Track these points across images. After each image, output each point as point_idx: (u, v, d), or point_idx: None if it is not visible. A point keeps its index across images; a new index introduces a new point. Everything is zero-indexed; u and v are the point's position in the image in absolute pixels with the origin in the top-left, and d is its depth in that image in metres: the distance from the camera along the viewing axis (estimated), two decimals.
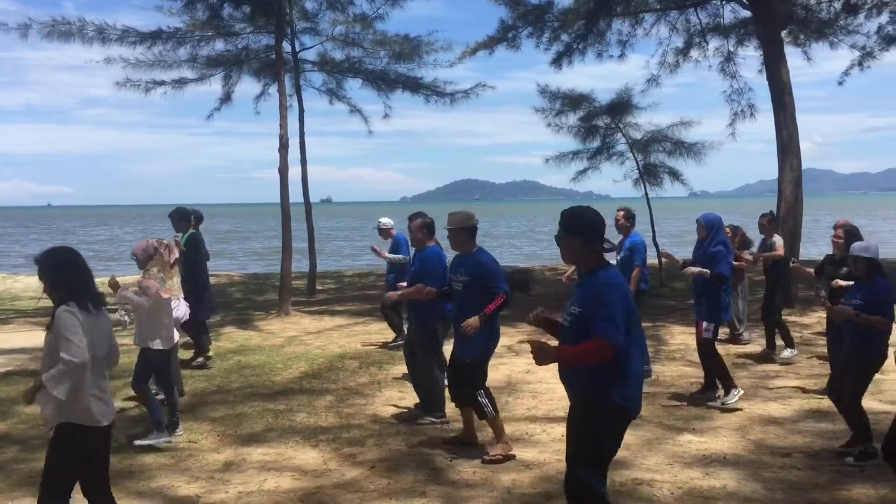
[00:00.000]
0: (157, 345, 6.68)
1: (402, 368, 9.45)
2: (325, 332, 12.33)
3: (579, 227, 3.99)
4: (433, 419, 7.08)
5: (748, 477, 5.54)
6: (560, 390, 8.08)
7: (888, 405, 7.15)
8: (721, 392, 7.50)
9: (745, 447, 6.23)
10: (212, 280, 10.58)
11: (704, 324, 7.50)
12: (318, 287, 18.22)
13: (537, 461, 5.94)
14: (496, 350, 6.45)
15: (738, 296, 10.49)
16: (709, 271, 7.46)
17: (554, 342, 4.04)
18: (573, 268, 7.61)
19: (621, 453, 4.86)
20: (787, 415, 7.13)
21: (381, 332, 12.01)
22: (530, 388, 8.29)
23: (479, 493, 5.32)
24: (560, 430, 6.75)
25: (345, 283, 20.66)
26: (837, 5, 17.54)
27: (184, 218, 9.64)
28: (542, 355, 3.78)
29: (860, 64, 18.74)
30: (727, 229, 10.10)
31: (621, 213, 8.67)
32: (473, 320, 5.99)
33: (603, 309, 3.77)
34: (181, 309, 7.23)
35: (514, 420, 7.05)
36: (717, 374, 7.57)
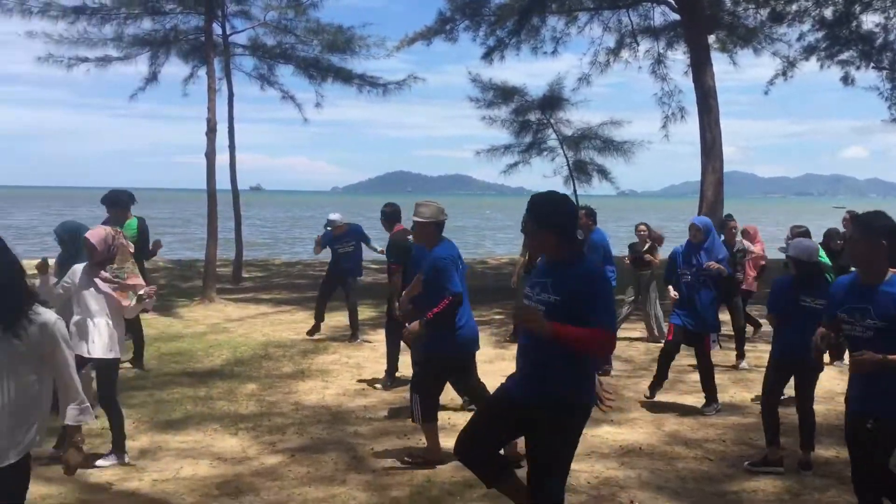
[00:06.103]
0: (118, 353, 5.77)
1: (326, 358, 9.39)
2: (249, 320, 12.15)
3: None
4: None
5: (662, 467, 5.69)
6: None
7: None
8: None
9: (659, 438, 6.39)
10: None
11: (713, 335, 7.37)
12: (245, 275, 17.95)
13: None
14: None
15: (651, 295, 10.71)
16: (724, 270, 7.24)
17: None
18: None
19: None
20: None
21: (306, 321, 11.91)
22: None
23: (398, 482, 5.32)
24: None
25: (272, 271, 20.39)
26: (764, 13, 18.11)
27: (124, 205, 8.59)
28: (532, 319, 3.52)
29: (784, 73, 19.38)
30: (643, 227, 10.61)
31: (582, 211, 8.56)
32: (414, 325, 5.60)
33: (602, 300, 3.62)
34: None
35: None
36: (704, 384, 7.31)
